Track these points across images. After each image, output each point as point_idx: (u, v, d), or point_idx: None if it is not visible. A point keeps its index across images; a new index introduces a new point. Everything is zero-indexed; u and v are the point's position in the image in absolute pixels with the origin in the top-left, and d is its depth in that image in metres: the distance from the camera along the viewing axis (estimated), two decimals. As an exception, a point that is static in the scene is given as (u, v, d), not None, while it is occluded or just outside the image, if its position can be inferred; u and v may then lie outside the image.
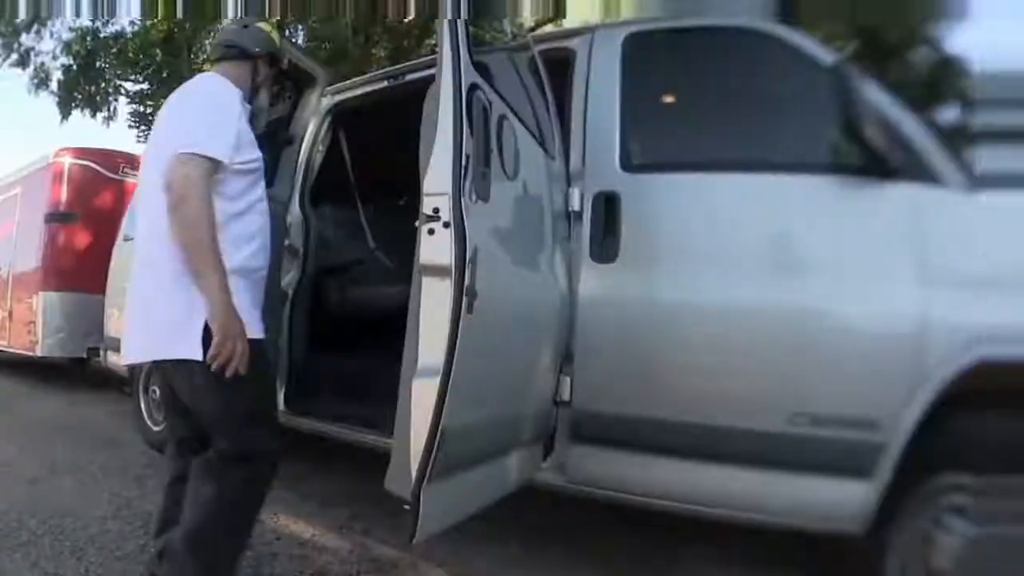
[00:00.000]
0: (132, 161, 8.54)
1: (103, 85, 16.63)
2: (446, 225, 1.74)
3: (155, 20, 12.55)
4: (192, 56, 14.71)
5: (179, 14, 12.16)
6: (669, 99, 2.91)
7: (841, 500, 2.20)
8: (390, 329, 2.67)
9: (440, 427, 1.70)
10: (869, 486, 2.16)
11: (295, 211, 3.75)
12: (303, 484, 3.83)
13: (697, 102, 2.83)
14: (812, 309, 2.27)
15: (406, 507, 1.81)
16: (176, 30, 13.13)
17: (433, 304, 1.76)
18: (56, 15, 15.65)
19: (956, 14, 3.61)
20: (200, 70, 15.56)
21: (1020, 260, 2.12)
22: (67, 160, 7.90)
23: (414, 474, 1.74)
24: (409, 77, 3.54)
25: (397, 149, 2.93)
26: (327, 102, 3.84)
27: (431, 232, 1.76)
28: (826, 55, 2.49)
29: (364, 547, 3.03)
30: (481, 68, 2.04)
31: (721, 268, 2.42)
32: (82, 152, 8.14)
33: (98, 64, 16.17)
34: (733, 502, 2.37)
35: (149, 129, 17.32)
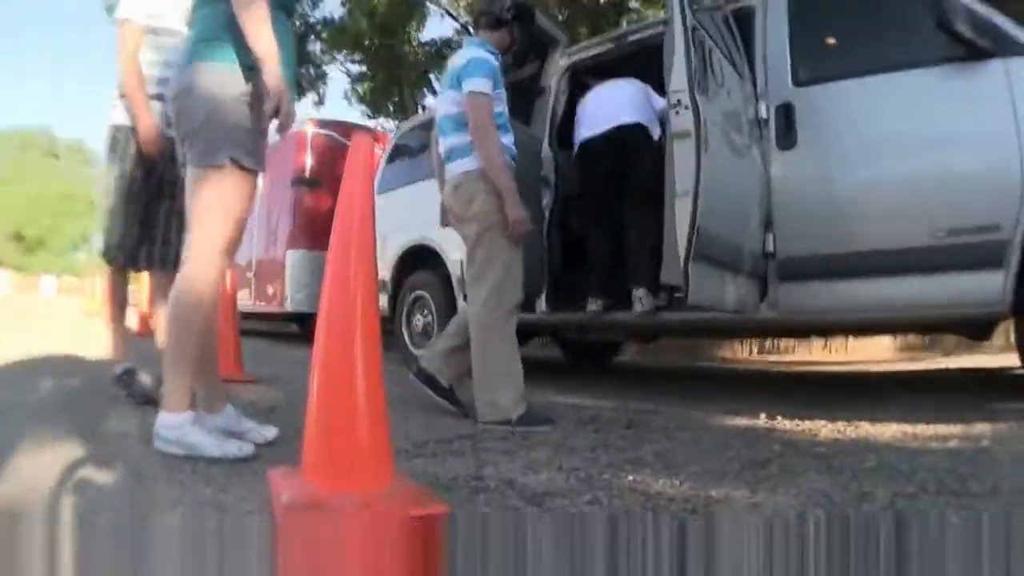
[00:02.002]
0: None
1: (312, 69, 19.32)
2: (686, 108, 3.15)
3: (373, 5, 14.73)
4: (408, 39, 17.13)
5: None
6: (823, 31, 4.16)
7: (984, 288, 3.35)
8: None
9: (696, 224, 3.09)
10: (1004, 272, 3.30)
11: (546, 149, 5.24)
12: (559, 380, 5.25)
13: (841, 30, 4.12)
14: (941, 157, 3.50)
15: (677, 295, 3.21)
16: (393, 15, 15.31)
17: (683, 154, 3.16)
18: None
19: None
20: (414, 52, 17.98)
21: None
22: (310, 130, 9.29)
23: (682, 257, 3.13)
24: (630, 38, 5.05)
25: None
26: (565, 62, 5.36)
27: (677, 113, 3.18)
28: None
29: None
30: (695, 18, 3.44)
31: (870, 143, 3.71)
32: (322, 123, 9.56)
33: (308, 48, 18.81)
34: (904, 303, 3.59)
35: (371, 107, 19.85)
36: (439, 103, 3.80)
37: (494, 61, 3.62)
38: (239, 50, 2.54)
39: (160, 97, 3.58)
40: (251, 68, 2.55)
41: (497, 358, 3.46)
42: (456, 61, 3.70)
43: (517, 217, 3.49)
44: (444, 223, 4.14)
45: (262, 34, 2.48)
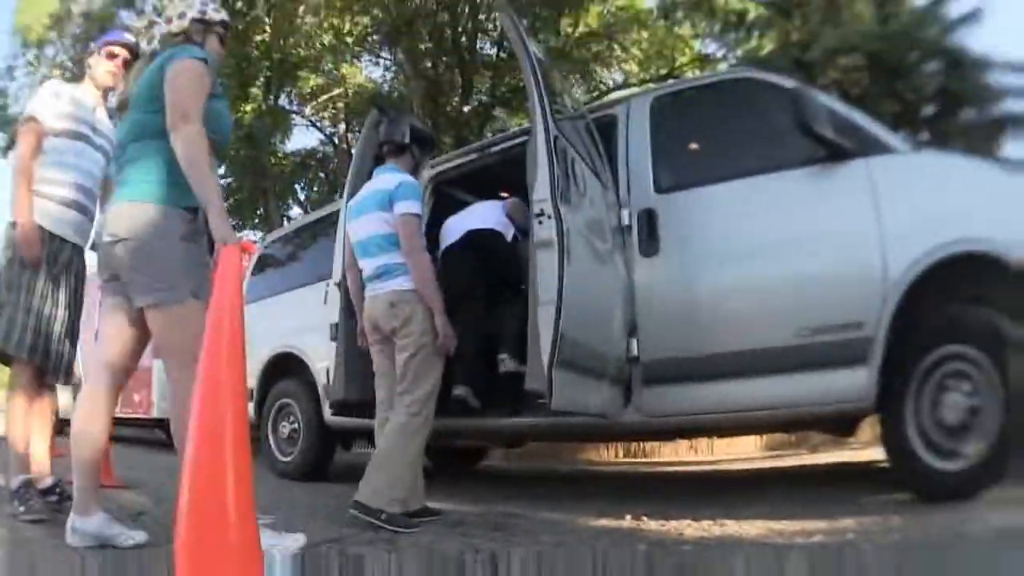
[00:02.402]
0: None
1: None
2: (549, 217, 3.26)
3: (239, 115, 14.84)
4: (272, 151, 17.31)
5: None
6: (684, 137, 4.45)
7: (849, 385, 3.48)
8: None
9: (559, 330, 3.17)
10: (868, 369, 3.43)
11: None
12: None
13: (702, 136, 4.42)
14: (804, 257, 3.69)
15: (540, 401, 3.26)
16: (256, 126, 15.60)
17: (546, 263, 3.27)
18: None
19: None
20: (280, 163, 18.28)
21: (952, 200, 3.48)
22: None
23: (546, 364, 3.18)
24: (491, 150, 5.20)
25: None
26: (428, 173, 5.40)
27: (540, 222, 3.30)
28: (790, 83, 4.00)
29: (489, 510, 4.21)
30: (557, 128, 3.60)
31: (733, 246, 3.90)
32: None
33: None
34: (770, 403, 3.72)
35: (238, 218, 19.66)
36: (361, 224, 3.96)
37: (419, 184, 3.96)
38: (179, 190, 2.62)
39: (77, 206, 3.66)
40: (192, 208, 2.65)
41: (400, 458, 3.66)
42: (384, 185, 3.91)
43: (448, 332, 3.80)
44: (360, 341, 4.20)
45: (204, 177, 2.54)
